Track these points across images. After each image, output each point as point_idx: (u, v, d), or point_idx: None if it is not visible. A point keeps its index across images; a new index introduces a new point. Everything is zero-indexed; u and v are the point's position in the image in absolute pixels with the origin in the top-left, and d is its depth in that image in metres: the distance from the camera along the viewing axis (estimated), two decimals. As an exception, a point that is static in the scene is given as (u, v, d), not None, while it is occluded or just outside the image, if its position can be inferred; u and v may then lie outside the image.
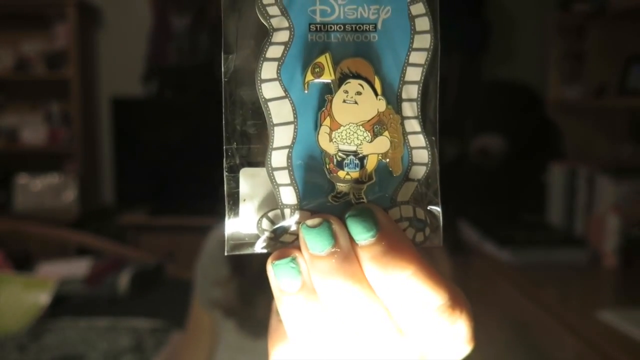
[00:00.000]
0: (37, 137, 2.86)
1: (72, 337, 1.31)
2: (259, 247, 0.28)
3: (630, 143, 2.05)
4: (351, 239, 0.27)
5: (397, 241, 0.26)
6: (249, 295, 0.88)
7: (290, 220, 0.28)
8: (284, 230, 0.28)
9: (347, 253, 0.26)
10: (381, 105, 0.28)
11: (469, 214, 2.06)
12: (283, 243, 0.28)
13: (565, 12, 2.14)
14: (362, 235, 0.26)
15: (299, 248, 0.27)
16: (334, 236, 0.26)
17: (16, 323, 1.37)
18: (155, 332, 1.34)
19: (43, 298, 1.45)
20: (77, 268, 1.69)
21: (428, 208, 0.29)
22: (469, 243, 1.92)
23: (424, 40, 0.28)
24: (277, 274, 0.27)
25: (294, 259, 0.27)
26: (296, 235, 0.28)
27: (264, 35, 0.28)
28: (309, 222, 0.27)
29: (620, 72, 1.86)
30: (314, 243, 0.26)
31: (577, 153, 2.15)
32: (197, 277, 0.98)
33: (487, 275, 1.76)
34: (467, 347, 0.29)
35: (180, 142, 2.76)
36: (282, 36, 0.28)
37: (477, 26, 2.51)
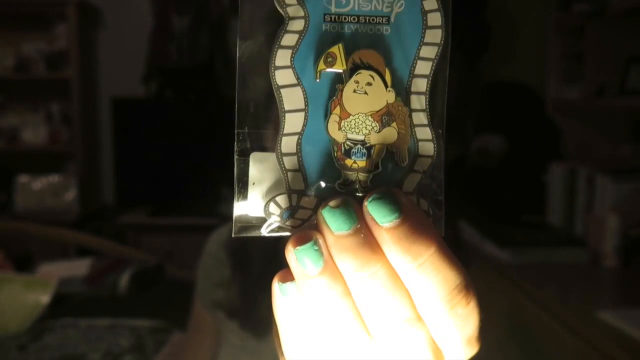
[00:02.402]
0: (37, 137, 2.86)
1: (72, 337, 1.31)
2: (266, 231, 0.29)
3: (630, 143, 2.05)
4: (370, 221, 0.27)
5: (419, 221, 0.27)
6: (251, 296, 0.88)
7: (297, 205, 0.28)
8: (291, 214, 0.28)
9: (368, 230, 0.27)
10: (390, 96, 0.28)
11: (469, 214, 2.06)
12: (289, 227, 0.28)
13: (565, 13, 2.14)
14: (387, 217, 0.26)
15: (314, 230, 0.27)
16: (356, 213, 0.27)
17: (16, 323, 1.37)
18: (155, 332, 1.34)
19: (43, 298, 1.45)
20: (77, 268, 1.69)
21: (432, 199, 0.29)
22: (469, 243, 1.92)
23: (435, 35, 0.29)
24: (300, 258, 0.27)
25: (316, 242, 0.27)
26: (302, 220, 0.28)
27: (278, 24, 0.28)
28: (332, 203, 0.27)
29: (620, 72, 1.86)
30: (339, 223, 0.27)
31: (577, 153, 2.15)
32: (198, 278, 0.99)
33: (487, 275, 1.76)
34: (474, 345, 0.29)
35: (180, 142, 2.76)
36: (298, 25, 0.28)
37: (477, 26, 2.51)
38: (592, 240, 1.74)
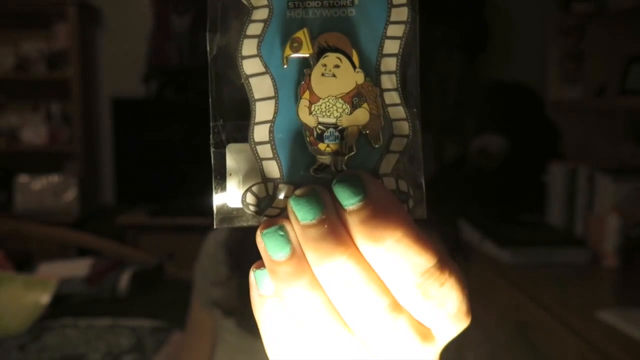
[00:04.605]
0: (37, 137, 2.86)
1: (72, 337, 1.31)
2: (245, 221, 0.29)
3: (631, 143, 2.05)
4: (339, 207, 0.27)
5: (385, 205, 0.26)
6: (248, 294, 0.88)
7: (274, 194, 0.28)
8: (268, 203, 0.28)
9: (337, 220, 0.26)
10: (359, 77, 0.28)
11: (469, 214, 2.06)
12: (268, 216, 0.28)
13: (565, 13, 2.14)
14: (349, 200, 0.26)
15: (285, 218, 0.27)
16: (323, 203, 0.26)
17: (16, 323, 1.37)
18: (155, 332, 1.34)
19: (43, 298, 1.45)
20: (77, 268, 1.69)
21: (412, 180, 0.29)
22: (469, 243, 1.92)
23: (401, 13, 0.28)
24: (267, 243, 0.27)
25: (281, 227, 0.27)
26: (279, 208, 0.28)
27: (245, 14, 0.28)
28: (297, 192, 0.27)
29: (620, 72, 1.86)
30: (304, 212, 0.26)
31: (577, 153, 2.15)
32: (196, 278, 0.99)
33: (487, 275, 1.76)
34: (462, 319, 0.28)
35: (180, 142, 2.76)
36: (262, 14, 0.28)
37: (477, 26, 2.52)
38: (592, 240, 1.74)
